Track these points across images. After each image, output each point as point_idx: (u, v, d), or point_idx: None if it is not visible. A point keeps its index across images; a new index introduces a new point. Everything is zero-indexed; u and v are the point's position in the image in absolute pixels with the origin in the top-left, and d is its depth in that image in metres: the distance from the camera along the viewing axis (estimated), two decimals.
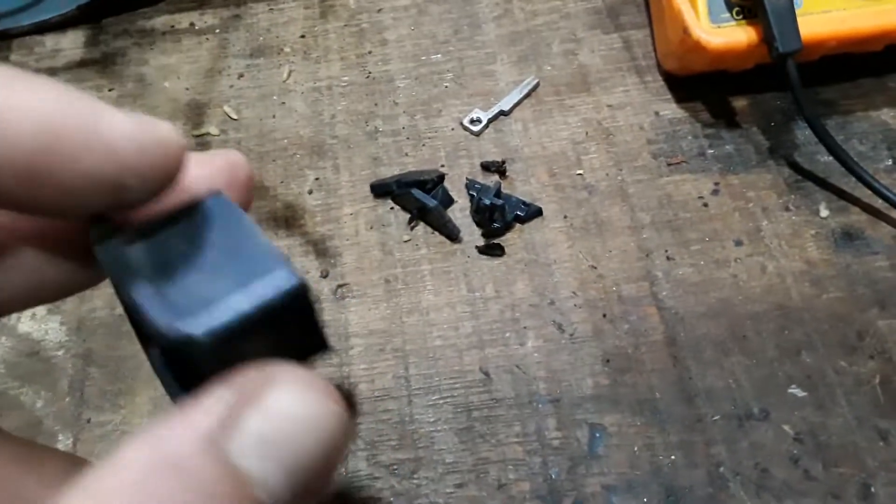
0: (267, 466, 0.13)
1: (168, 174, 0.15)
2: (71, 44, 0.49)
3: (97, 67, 0.48)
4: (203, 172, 0.17)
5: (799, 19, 0.37)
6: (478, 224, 0.39)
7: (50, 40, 0.49)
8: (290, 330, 0.15)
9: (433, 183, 0.40)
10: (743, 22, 0.39)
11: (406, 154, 0.42)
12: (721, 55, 0.39)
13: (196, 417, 0.13)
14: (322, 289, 0.38)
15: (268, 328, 0.14)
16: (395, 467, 0.32)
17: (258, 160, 0.43)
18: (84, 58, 0.48)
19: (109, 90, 0.47)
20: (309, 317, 0.15)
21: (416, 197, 0.39)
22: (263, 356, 0.14)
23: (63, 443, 0.34)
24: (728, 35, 0.39)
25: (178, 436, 0.13)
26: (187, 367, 0.14)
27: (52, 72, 0.48)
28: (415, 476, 0.32)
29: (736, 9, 0.39)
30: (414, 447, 0.33)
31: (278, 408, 0.14)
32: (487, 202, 0.38)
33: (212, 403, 0.13)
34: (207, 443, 0.13)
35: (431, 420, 0.34)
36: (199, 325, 0.14)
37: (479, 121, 0.43)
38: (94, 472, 0.12)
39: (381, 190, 0.40)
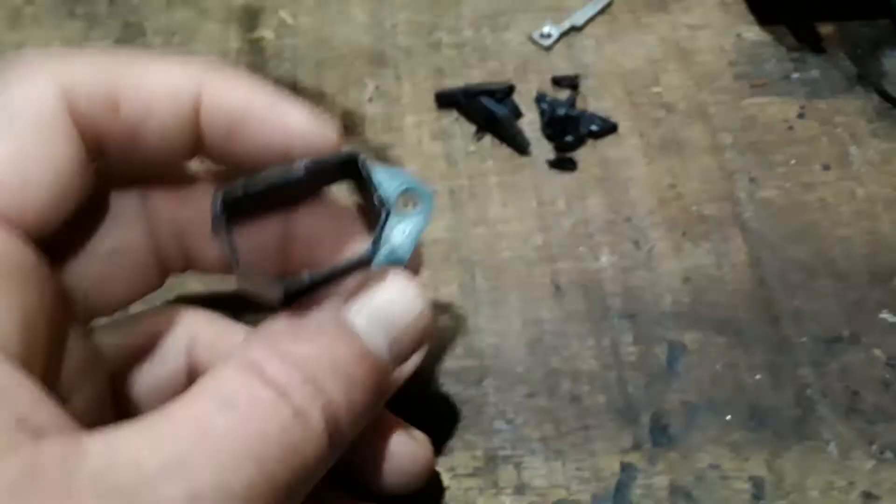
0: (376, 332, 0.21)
1: (321, 151, 0.22)
2: None
3: None
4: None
5: None
6: (549, 138, 0.37)
7: None
8: None
9: (502, 94, 0.38)
10: None
11: (472, 66, 0.40)
12: None
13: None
14: None
15: None
16: (460, 374, 0.31)
17: (315, 67, 0.41)
18: None
19: None
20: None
21: (486, 105, 0.37)
22: None
23: None
24: None
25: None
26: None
27: None
28: (482, 383, 0.31)
29: None
30: (480, 356, 0.31)
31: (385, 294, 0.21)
32: (562, 112, 0.36)
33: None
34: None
35: (498, 330, 0.32)
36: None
37: (549, 35, 0.40)
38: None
39: (446, 99, 0.38)
